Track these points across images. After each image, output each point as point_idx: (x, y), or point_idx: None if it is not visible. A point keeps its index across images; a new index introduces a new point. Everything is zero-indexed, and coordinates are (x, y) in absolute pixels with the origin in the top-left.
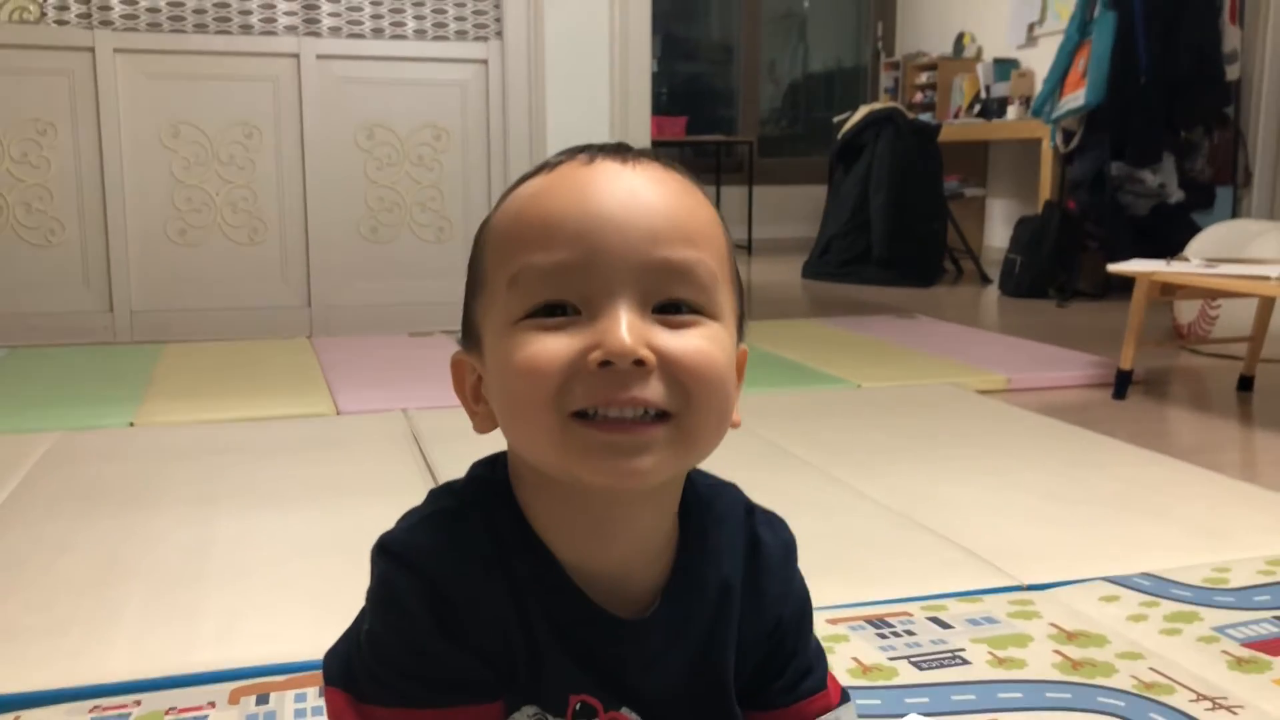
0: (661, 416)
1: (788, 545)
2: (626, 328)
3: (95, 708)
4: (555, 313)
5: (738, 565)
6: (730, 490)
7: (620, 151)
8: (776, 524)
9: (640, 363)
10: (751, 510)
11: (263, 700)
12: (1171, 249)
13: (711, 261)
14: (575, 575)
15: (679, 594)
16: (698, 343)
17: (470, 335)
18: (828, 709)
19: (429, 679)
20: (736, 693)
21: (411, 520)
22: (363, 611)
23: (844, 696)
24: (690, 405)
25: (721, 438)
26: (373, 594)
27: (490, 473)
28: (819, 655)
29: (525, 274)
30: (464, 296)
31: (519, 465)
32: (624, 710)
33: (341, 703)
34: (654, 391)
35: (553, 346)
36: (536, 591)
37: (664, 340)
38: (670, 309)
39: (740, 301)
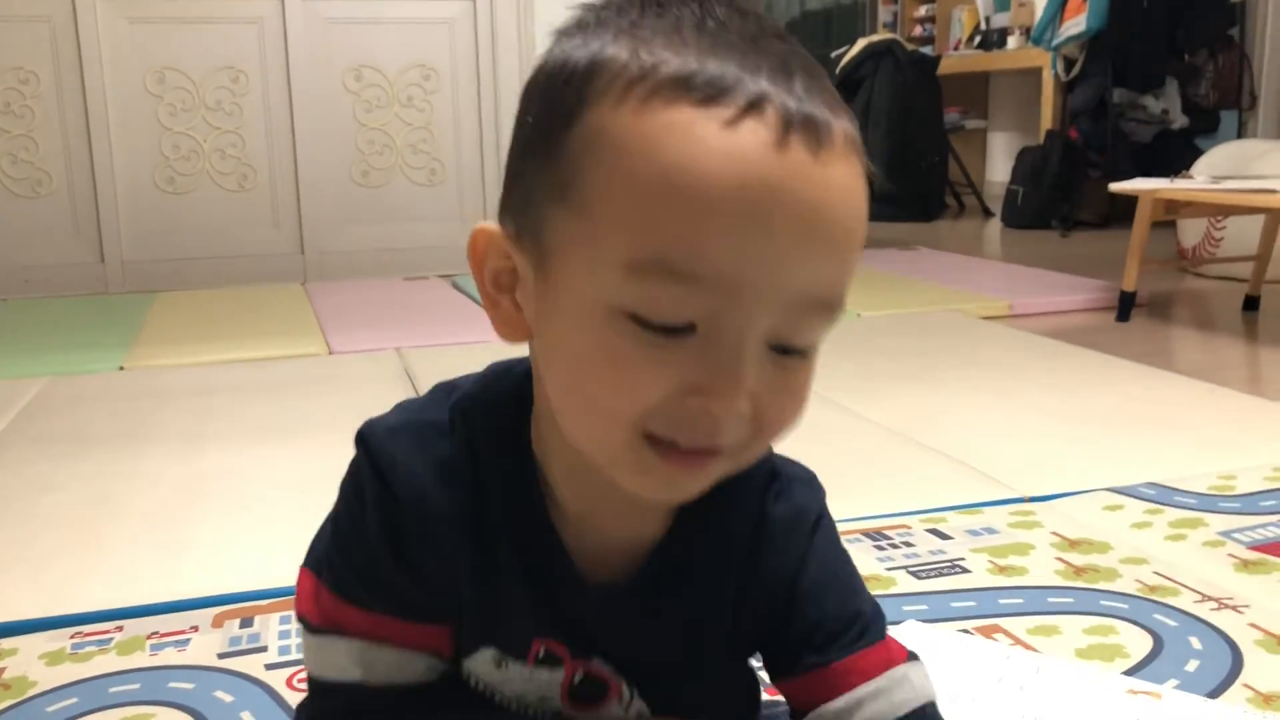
0: None
1: (799, 512)
2: (747, 387)
3: (77, 634)
4: (671, 329)
5: (739, 537)
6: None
7: (810, 124)
8: (796, 490)
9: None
10: (774, 478)
11: (247, 623)
12: (1175, 175)
13: (850, 280)
14: (562, 520)
15: (662, 564)
16: (797, 390)
17: (523, 221)
18: (890, 664)
19: (369, 580)
20: (765, 659)
21: (402, 417)
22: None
23: (910, 656)
24: (759, 440)
25: None
26: (345, 479)
27: (503, 382)
28: (874, 614)
29: (656, 276)
30: (515, 158)
31: (545, 400)
32: (595, 660)
33: (306, 583)
34: (734, 435)
35: (652, 372)
36: (511, 537)
37: (767, 390)
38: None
39: None
